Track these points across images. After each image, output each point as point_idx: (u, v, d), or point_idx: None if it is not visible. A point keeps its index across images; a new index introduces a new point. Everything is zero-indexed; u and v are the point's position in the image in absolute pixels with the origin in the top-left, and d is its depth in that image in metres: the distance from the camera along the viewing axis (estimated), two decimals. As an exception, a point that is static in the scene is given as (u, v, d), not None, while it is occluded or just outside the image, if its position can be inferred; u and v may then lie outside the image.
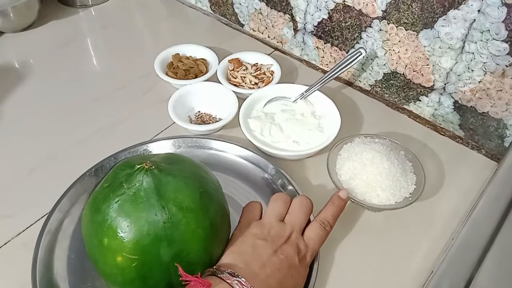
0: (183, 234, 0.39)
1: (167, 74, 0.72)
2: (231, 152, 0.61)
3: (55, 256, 0.49)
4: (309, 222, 0.49)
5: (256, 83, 0.71)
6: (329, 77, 0.67)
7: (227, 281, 0.39)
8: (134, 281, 0.40)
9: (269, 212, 0.49)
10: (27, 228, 0.53)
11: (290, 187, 0.55)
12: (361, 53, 0.65)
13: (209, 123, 0.66)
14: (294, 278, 0.43)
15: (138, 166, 0.41)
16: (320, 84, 0.66)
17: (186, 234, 0.39)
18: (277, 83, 0.70)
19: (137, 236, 0.38)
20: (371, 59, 0.70)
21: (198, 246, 0.40)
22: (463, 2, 0.55)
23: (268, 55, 0.77)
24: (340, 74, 0.67)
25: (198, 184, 0.42)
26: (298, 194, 0.54)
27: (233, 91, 0.68)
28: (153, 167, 0.40)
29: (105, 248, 0.39)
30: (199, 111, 0.68)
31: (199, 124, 0.66)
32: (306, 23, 0.75)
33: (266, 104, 0.67)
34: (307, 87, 0.67)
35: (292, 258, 0.44)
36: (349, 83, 0.76)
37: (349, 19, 0.68)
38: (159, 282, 0.40)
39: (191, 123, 0.66)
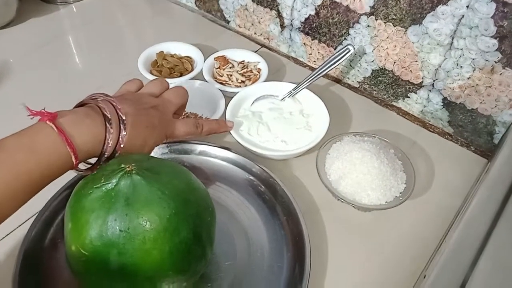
0: (136, 250, 0.37)
1: (151, 73, 0.71)
2: (216, 155, 0.59)
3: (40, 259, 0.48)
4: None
5: (243, 81, 0.70)
6: (318, 75, 0.65)
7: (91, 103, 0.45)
8: (80, 274, 0.40)
9: (143, 89, 0.53)
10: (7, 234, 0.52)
11: (278, 188, 0.54)
12: (350, 50, 0.64)
13: (195, 122, 0.64)
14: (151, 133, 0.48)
15: (122, 166, 0.39)
16: (308, 82, 0.65)
17: (138, 251, 0.37)
18: (264, 81, 0.69)
19: (92, 234, 0.37)
20: (359, 56, 0.69)
21: (149, 267, 0.38)
22: (452, -2, 0.54)
23: (255, 52, 0.75)
24: (328, 71, 0.66)
25: (173, 205, 0.39)
26: (287, 195, 0.53)
27: (220, 90, 0.67)
28: (134, 171, 0.39)
29: (68, 232, 0.39)
30: (184, 111, 0.67)
31: (185, 124, 0.64)
32: (293, 19, 0.74)
33: (253, 102, 0.65)
34: (295, 85, 0.66)
35: (154, 115, 0.48)
36: (337, 80, 0.75)
37: (337, 15, 0.67)
38: (103, 285, 0.39)
39: (176, 123, 0.64)
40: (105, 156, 0.43)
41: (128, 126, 0.44)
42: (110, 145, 0.43)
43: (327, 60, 0.66)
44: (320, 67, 0.66)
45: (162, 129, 0.50)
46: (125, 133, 0.44)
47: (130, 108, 0.46)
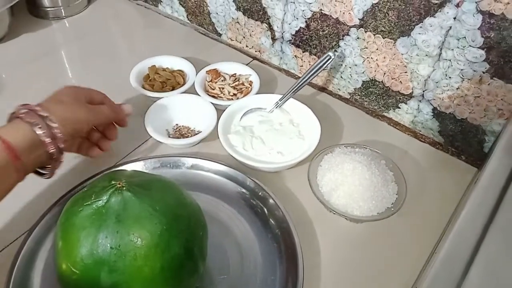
0: (128, 267, 0.37)
1: (143, 87, 0.71)
2: (208, 169, 0.59)
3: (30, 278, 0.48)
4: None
5: (234, 94, 0.70)
6: (301, 84, 0.66)
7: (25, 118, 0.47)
8: None
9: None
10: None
11: (270, 201, 0.54)
12: (330, 57, 0.65)
13: (188, 136, 0.65)
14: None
15: (113, 183, 0.39)
16: (293, 92, 0.66)
17: (130, 268, 0.37)
18: (256, 93, 0.69)
19: (83, 252, 0.37)
20: (350, 67, 0.69)
21: (141, 284, 0.38)
22: (439, 10, 0.55)
23: (247, 65, 0.76)
24: (311, 79, 0.67)
25: (164, 221, 0.39)
26: (279, 208, 0.53)
27: (212, 103, 0.67)
28: (125, 188, 0.39)
29: (58, 250, 0.39)
30: (177, 124, 0.67)
31: (177, 137, 0.64)
32: (283, 32, 0.75)
33: (242, 117, 0.65)
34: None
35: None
36: (328, 92, 0.75)
37: (327, 28, 0.68)
38: None
39: (169, 137, 0.64)
40: (53, 151, 0.47)
41: (53, 116, 0.47)
42: (49, 141, 0.46)
43: (309, 69, 0.66)
44: (303, 76, 0.67)
45: (83, 104, 0.52)
46: (56, 125, 0.47)
47: (50, 100, 0.50)
